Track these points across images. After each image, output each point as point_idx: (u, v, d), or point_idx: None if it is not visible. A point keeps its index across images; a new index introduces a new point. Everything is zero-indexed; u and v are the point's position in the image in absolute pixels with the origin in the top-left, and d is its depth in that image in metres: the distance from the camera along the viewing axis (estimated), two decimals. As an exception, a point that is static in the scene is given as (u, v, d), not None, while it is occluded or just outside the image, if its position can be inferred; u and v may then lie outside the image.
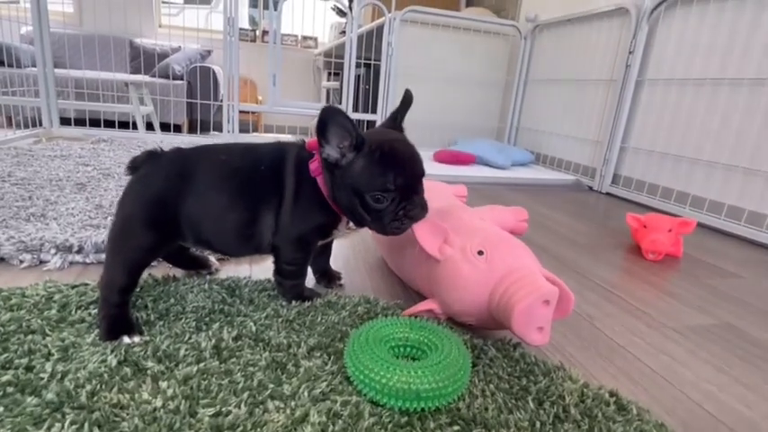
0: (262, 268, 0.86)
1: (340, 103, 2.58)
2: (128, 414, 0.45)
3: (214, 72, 3.08)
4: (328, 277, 0.82)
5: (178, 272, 0.80)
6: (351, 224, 0.71)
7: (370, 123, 2.62)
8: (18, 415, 0.43)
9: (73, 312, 0.62)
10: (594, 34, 2.10)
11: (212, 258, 0.83)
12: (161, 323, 0.62)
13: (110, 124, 2.53)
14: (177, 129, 3.02)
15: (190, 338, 0.59)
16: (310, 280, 0.81)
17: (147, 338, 0.58)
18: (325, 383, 0.52)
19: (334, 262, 0.86)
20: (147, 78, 2.91)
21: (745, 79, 1.46)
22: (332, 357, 0.57)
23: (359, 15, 2.63)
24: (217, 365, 0.54)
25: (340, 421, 0.47)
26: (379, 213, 0.63)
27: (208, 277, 0.78)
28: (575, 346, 0.69)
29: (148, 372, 0.51)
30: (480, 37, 2.60)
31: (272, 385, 0.51)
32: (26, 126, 2.14)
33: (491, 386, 0.55)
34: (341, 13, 3.86)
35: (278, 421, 0.46)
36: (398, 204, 0.63)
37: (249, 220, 0.66)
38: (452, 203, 0.81)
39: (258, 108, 3.61)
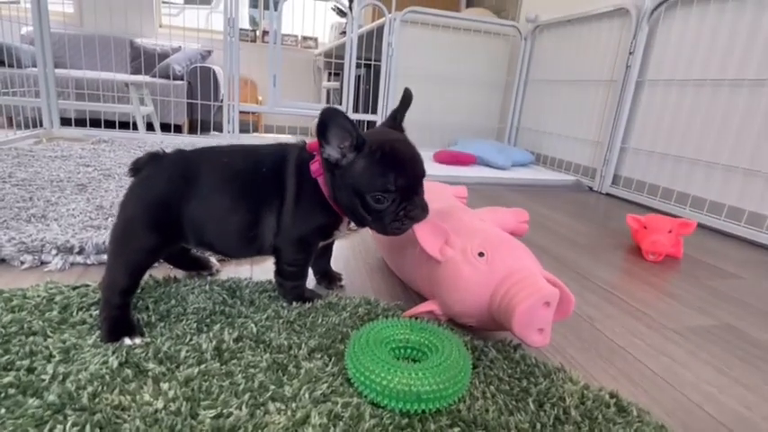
0: (262, 269, 0.86)
1: (340, 104, 2.58)
2: (129, 416, 0.45)
3: (214, 72, 3.08)
4: (329, 278, 0.83)
5: (179, 273, 0.80)
6: (352, 224, 0.71)
7: (371, 124, 2.62)
8: (20, 417, 0.43)
9: (74, 314, 0.62)
10: (595, 35, 2.10)
11: (213, 259, 0.83)
12: (162, 325, 0.62)
13: (110, 125, 2.53)
14: (177, 129, 3.02)
15: (191, 340, 0.59)
16: (311, 281, 0.81)
17: (149, 340, 0.58)
18: (326, 385, 0.52)
19: (335, 263, 0.86)
20: (147, 79, 2.91)
21: (746, 80, 1.46)
22: (333, 359, 0.57)
23: (359, 16, 2.64)
24: (218, 367, 0.54)
25: (341, 423, 0.47)
26: (380, 214, 0.63)
27: (209, 278, 0.78)
28: (575, 348, 0.69)
29: (150, 373, 0.52)
30: (480, 37, 2.60)
31: (273, 387, 0.51)
32: (27, 126, 2.14)
33: (492, 388, 0.55)
34: (341, 13, 3.86)
35: (279, 423, 0.46)
36: (399, 205, 0.63)
37: (251, 222, 0.66)
38: (453, 204, 0.81)
39: (258, 108, 3.61)
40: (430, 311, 0.68)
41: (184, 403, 0.47)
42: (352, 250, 1.03)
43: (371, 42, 2.64)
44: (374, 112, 2.60)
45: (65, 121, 2.29)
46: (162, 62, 3.15)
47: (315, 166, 0.66)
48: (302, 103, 3.01)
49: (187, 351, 0.56)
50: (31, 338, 0.55)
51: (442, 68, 2.59)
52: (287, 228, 0.67)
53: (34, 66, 2.38)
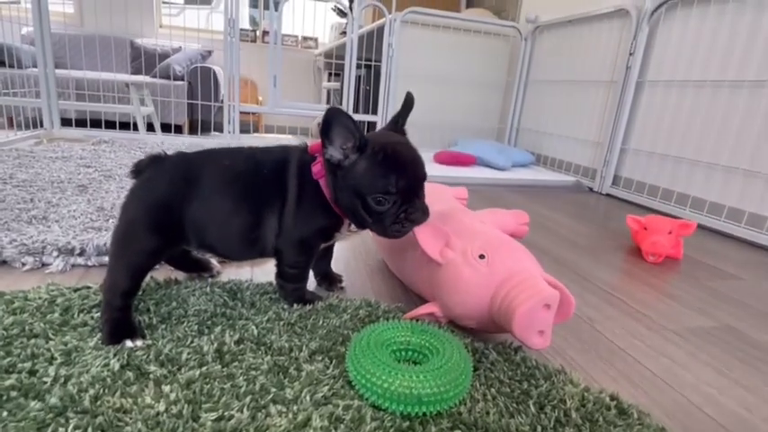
0: (263, 271, 0.86)
1: (340, 104, 2.58)
2: (131, 418, 0.45)
3: (215, 72, 3.08)
4: (329, 280, 0.83)
5: (180, 275, 0.80)
6: (352, 226, 0.71)
7: (371, 124, 2.62)
8: (22, 419, 0.44)
9: (75, 316, 0.62)
10: (595, 35, 2.10)
11: (214, 261, 0.83)
12: (163, 327, 0.62)
13: (110, 125, 2.53)
14: (178, 129, 3.02)
15: (192, 342, 0.59)
16: (311, 283, 0.81)
17: (150, 342, 0.58)
18: (327, 387, 0.52)
19: (335, 265, 0.86)
20: (147, 79, 2.91)
21: (746, 81, 1.46)
22: (333, 361, 0.58)
23: (359, 16, 2.64)
24: (219, 369, 0.54)
25: (342, 426, 0.47)
26: (381, 216, 0.63)
27: (209, 280, 0.78)
28: (575, 350, 0.69)
29: (151, 376, 0.52)
30: (481, 38, 2.60)
31: (274, 389, 0.51)
32: (27, 127, 2.15)
33: (492, 390, 0.55)
34: (341, 13, 3.86)
35: (280, 426, 0.46)
36: (400, 207, 0.63)
37: (253, 224, 0.66)
38: (453, 206, 0.82)
39: (259, 109, 3.61)
40: (431, 313, 0.68)
41: (186, 406, 0.47)
42: (352, 252, 1.03)
43: (372, 43, 2.64)
44: (374, 112, 2.60)
45: (65, 122, 2.30)
46: (162, 62, 3.15)
47: (316, 168, 0.66)
48: (302, 103, 3.01)
49: (188, 353, 0.56)
50: (32, 341, 0.56)
51: (442, 69, 2.59)
52: (288, 229, 0.67)
53: (35, 66, 2.38)
